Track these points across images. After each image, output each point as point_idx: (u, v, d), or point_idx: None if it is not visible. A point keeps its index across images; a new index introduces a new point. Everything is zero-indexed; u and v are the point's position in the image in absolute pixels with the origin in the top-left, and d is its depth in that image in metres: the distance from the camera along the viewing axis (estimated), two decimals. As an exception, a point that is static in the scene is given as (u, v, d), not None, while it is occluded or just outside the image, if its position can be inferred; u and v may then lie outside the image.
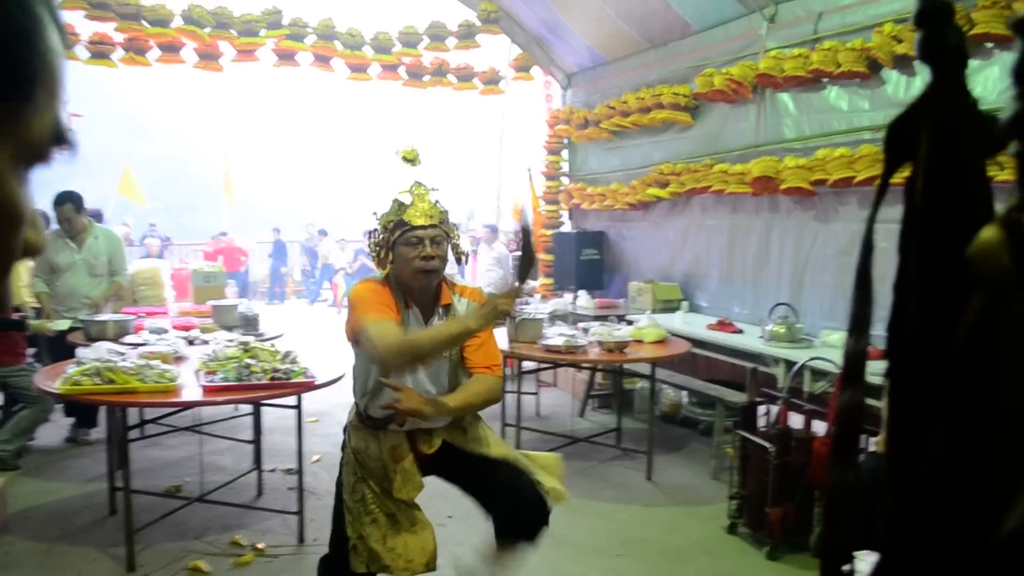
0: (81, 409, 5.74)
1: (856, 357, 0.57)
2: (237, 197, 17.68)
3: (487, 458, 2.88)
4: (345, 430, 3.03)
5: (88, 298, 5.73)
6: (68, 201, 5.64)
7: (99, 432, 5.71)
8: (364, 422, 2.91)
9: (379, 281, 2.81)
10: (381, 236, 2.78)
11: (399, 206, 2.75)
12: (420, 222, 2.71)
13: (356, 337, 2.71)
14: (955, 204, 0.51)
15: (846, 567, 0.56)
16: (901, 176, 0.55)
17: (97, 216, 6.80)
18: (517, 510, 2.83)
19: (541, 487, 2.86)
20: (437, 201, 2.79)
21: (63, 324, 5.59)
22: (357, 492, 2.84)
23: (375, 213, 2.86)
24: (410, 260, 2.70)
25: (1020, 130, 0.46)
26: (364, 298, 2.73)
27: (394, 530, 2.80)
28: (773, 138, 5.61)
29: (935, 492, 0.47)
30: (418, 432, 2.88)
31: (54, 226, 5.78)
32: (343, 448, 3.00)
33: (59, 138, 0.50)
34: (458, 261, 2.94)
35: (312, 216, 18.77)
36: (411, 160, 2.84)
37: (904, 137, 0.53)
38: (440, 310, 2.85)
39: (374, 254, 2.82)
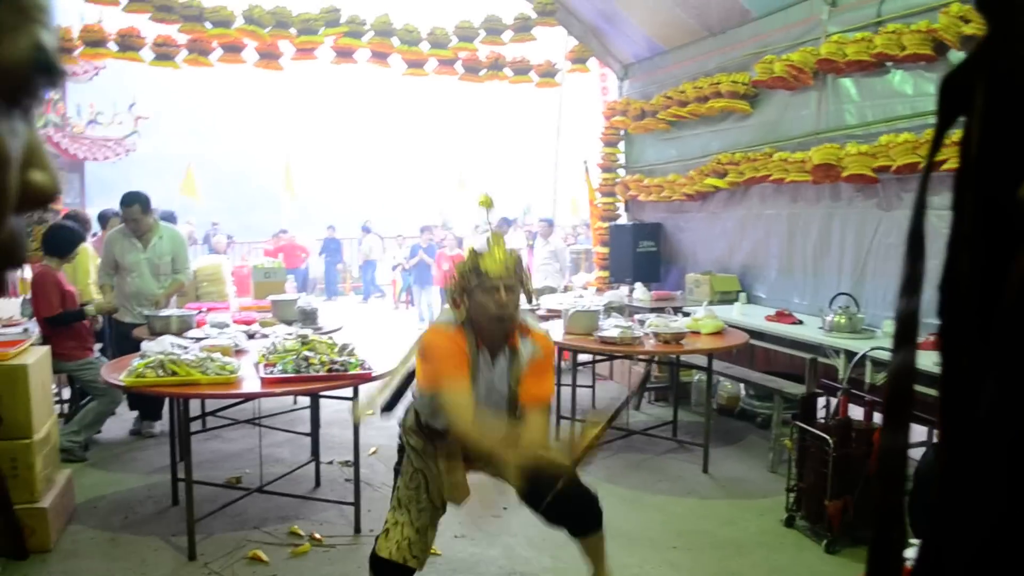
0: (145, 403, 5.88)
1: (909, 317, 0.54)
2: (297, 196, 18.01)
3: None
4: (401, 426, 3.13)
5: (153, 296, 5.86)
6: (135, 202, 5.76)
7: (162, 425, 5.83)
8: (421, 428, 3.02)
9: (453, 326, 2.87)
10: (459, 282, 2.88)
11: (475, 255, 2.86)
12: (496, 271, 2.80)
13: (433, 387, 2.81)
14: (1011, 155, 0.48)
15: (897, 534, 0.53)
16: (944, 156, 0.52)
17: (170, 218, 6.92)
18: (568, 512, 2.98)
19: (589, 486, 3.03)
20: (511, 250, 2.89)
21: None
22: (415, 480, 2.98)
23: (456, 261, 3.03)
24: (485, 306, 2.81)
25: None
26: (439, 351, 2.82)
27: (430, 523, 2.98)
28: (834, 125, 5.48)
29: (989, 448, 0.44)
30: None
31: (122, 226, 5.95)
32: (400, 438, 3.12)
33: (43, 66, 0.44)
34: (528, 301, 3.04)
35: (368, 214, 18.98)
36: (487, 206, 2.94)
37: (959, 89, 0.51)
38: (507, 350, 2.93)
39: (450, 299, 2.92)
